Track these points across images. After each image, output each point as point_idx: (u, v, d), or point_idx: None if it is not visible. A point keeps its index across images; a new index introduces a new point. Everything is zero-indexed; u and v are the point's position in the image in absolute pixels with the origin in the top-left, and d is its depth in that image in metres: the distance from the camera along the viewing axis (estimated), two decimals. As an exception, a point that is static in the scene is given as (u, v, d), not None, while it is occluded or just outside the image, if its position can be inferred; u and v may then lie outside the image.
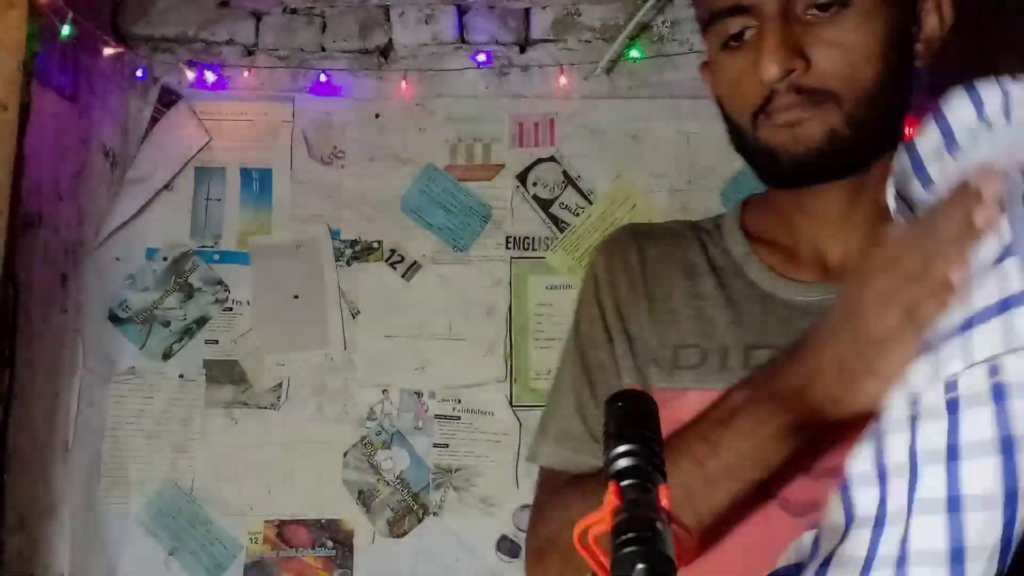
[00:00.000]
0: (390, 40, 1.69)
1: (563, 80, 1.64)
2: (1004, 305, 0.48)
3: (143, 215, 1.64)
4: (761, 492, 0.70)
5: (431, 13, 1.67)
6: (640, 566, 0.34)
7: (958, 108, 0.57)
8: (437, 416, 1.59)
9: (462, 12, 1.68)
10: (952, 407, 0.49)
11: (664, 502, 0.39)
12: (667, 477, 0.61)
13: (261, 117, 1.67)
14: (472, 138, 1.66)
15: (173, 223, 1.65)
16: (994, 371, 0.48)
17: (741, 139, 0.80)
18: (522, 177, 1.66)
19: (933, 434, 0.50)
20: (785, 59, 0.71)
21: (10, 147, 1.28)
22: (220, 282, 1.64)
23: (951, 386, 0.50)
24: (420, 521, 1.57)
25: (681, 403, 0.76)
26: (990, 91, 0.57)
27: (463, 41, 1.68)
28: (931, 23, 0.80)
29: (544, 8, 1.66)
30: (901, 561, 0.50)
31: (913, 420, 0.51)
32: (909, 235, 0.56)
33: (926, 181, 0.58)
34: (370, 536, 1.57)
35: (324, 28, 1.70)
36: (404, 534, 1.58)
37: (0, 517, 1.35)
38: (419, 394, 1.61)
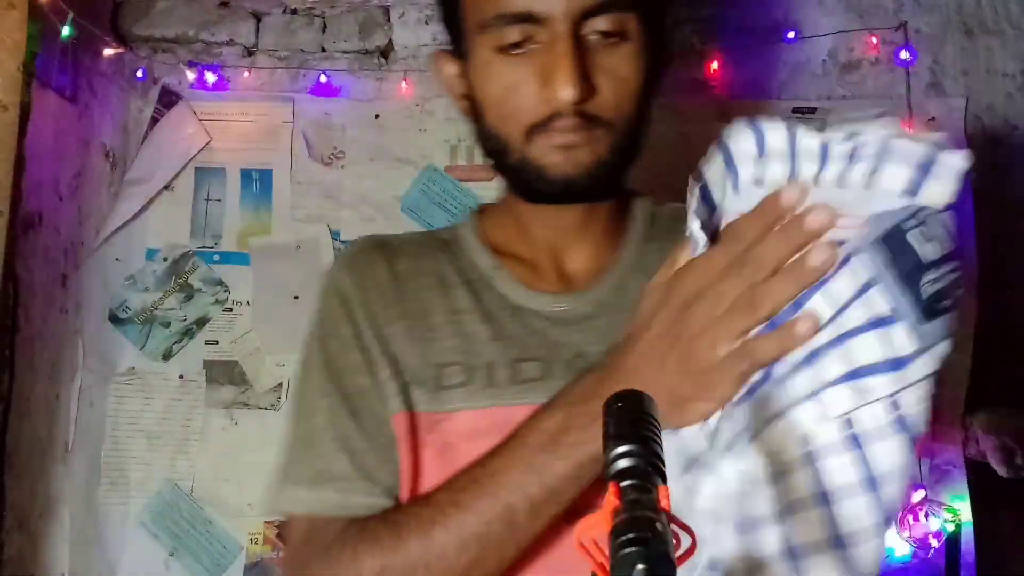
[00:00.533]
0: (390, 40, 1.69)
1: (563, 80, 1.63)
2: (895, 364, 0.52)
3: (143, 215, 1.64)
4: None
5: (431, 14, 1.67)
6: (640, 566, 0.34)
7: (741, 141, 0.59)
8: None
9: (462, 12, 1.69)
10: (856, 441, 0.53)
11: (664, 502, 0.39)
12: (479, 512, 0.63)
13: (261, 117, 1.67)
14: (472, 138, 1.66)
15: (173, 223, 1.65)
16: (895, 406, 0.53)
17: (503, 151, 0.79)
18: (522, 177, 1.66)
19: (840, 468, 0.53)
20: (581, 83, 0.71)
21: (10, 147, 1.28)
22: (220, 282, 1.64)
23: (846, 423, 0.53)
24: (420, 521, 1.57)
25: (451, 424, 0.74)
26: (775, 129, 0.59)
27: (463, 41, 1.68)
28: (669, 60, 0.82)
29: (544, 8, 1.66)
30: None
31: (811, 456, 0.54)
32: (722, 261, 0.54)
33: (712, 206, 0.59)
34: (370, 536, 1.57)
35: (324, 28, 1.70)
36: None
37: (0, 517, 1.35)
38: (419, 394, 1.61)
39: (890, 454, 0.53)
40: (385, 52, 1.70)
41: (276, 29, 1.70)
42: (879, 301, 0.53)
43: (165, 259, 1.64)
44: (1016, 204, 1.59)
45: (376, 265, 0.84)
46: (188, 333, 1.63)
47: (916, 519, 1.47)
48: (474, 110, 0.83)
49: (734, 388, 0.55)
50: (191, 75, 1.65)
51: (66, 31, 1.41)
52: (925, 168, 0.52)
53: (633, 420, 0.45)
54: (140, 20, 1.68)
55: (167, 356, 1.62)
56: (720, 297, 0.53)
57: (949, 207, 0.53)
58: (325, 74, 1.66)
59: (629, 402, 0.47)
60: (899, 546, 1.49)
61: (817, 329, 0.53)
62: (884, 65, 1.61)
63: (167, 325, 1.63)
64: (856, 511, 0.54)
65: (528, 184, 0.79)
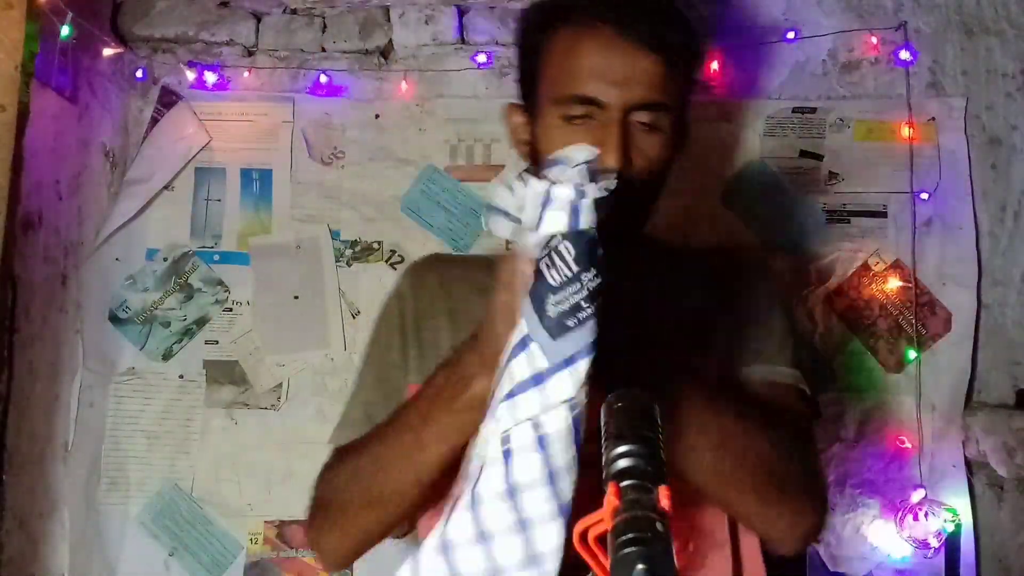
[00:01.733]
0: (390, 40, 1.69)
1: (563, 80, 1.63)
2: (536, 379, 0.62)
3: (143, 215, 1.64)
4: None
5: (431, 14, 1.67)
6: (640, 566, 0.34)
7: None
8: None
9: (462, 12, 1.68)
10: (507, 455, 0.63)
11: (664, 502, 0.39)
12: (384, 440, 0.87)
13: (261, 117, 1.67)
14: (472, 138, 1.66)
15: (173, 223, 1.65)
16: (537, 426, 0.62)
17: None
18: (522, 177, 1.65)
19: (494, 476, 0.63)
20: (621, 156, 0.97)
21: (9, 148, 1.28)
22: (220, 282, 1.64)
23: (505, 439, 0.63)
24: (420, 521, 1.57)
25: None
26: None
27: (463, 42, 1.68)
28: (686, 142, 1.12)
29: (544, 8, 1.66)
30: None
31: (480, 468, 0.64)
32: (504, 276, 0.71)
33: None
34: (370, 536, 1.57)
35: (324, 28, 1.70)
36: (404, 534, 1.57)
37: (0, 517, 1.35)
38: (419, 394, 1.61)
39: (529, 467, 0.62)
40: (385, 52, 1.70)
41: (276, 29, 1.70)
42: (521, 326, 0.64)
43: (165, 259, 1.64)
44: (1016, 204, 1.59)
45: (431, 274, 1.13)
46: (188, 333, 1.63)
47: (916, 519, 1.46)
48: (532, 156, 1.06)
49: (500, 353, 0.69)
50: (191, 75, 1.65)
51: (65, 31, 1.41)
52: (543, 204, 0.65)
53: (633, 420, 0.45)
54: (140, 20, 1.68)
55: (167, 356, 1.62)
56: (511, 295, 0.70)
57: (579, 233, 0.64)
58: (325, 74, 1.66)
59: (629, 402, 0.47)
60: (899, 546, 1.49)
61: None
62: (884, 65, 1.61)
63: (167, 325, 1.63)
64: (498, 514, 0.63)
65: None
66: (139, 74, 1.66)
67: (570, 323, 0.61)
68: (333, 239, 1.65)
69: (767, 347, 1.00)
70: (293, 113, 1.67)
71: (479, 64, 1.65)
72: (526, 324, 0.63)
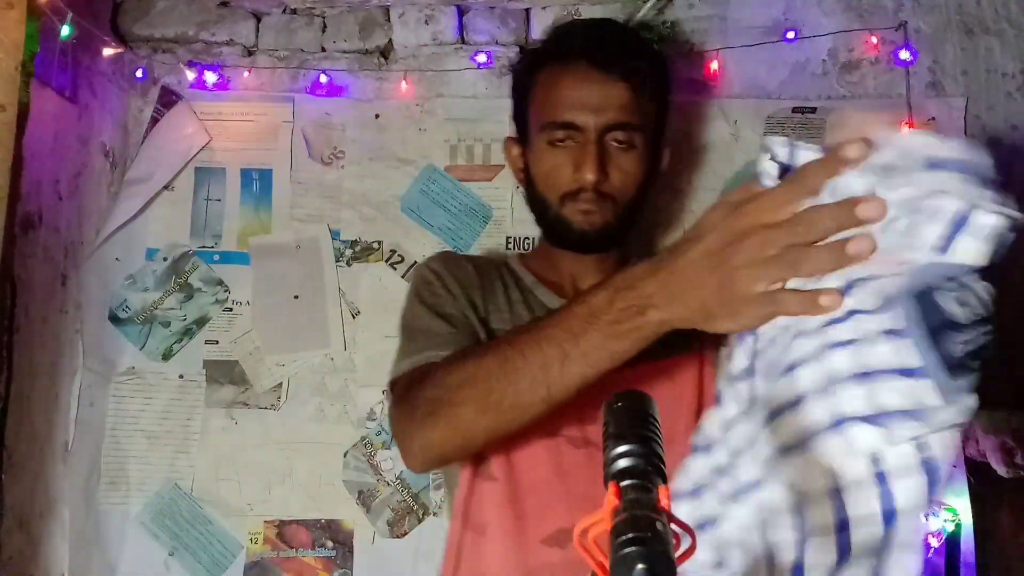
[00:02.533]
0: (390, 40, 1.69)
1: (563, 80, 1.63)
2: (916, 414, 0.56)
3: (143, 215, 1.64)
4: (547, 433, 0.98)
5: (431, 13, 1.67)
6: (640, 566, 0.34)
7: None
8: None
9: (462, 12, 1.68)
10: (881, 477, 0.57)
11: (664, 502, 0.39)
12: (519, 347, 0.85)
13: (261, 117, 1.67)
14: (472, 138, 1.66)
15: (173, 223, 1.65)
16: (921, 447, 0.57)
17: (544, 209, 1.23)
18: (522, 177, 1.66)
19: (864, 500, 0.57)
20: (600, 172, 1.14)
21: (9, 148, 1.28)
22: (220, 282, 1.64)
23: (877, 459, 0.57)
24: (420, 521, 1.57)
25: None
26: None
27: (463, 41, 1.68)
28: (663, 163, 1.29)
29: (544, 8, 1.66)
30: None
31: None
32: (783, 200, 0.62)
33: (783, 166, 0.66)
34: (370, 536, 1.57)
35: (324, 28, 1.70)
36: (404, 534, 1.57)
37: (0, 517, 1.35)
38: (419, 394, 1.61)
39: (910, 491, 0.57)
40: (385, 52, 1.70)
41: (276, 29, 1.70)
42: (909, 353, 0.56)
43: (165, 259, 1.64)
44: (1016, 204, 1.58)
45: (459, 259, 1.28)
46: (188, 333, 1.63)
47: (916, 519, 1.46)
48: (527, 180, 1.25)
49: (755, 323, 0.65)
50: (191, 75, 1.65)
51: (65, 31, 1.41)
52: (958, 225, 0.55)
53: (633, 420, 0.45)
54: (140, 20, 1.68)
55: (167, 356, 1.62)
56: (769, 242, 0.62)
57: (986, 269, 0.56)
58: (325, 74, 1.66)
59: (629, 402, 0.47)
60: (899, 546, 1.49)
61: (836, 307, 0.59)
62: (884, 65, 1.61)
63: (167, 325, 1.63)
64: (871, 539, 0.57)
65: (559, 234, 1.23)
66: (139, 74, 1.66)
67: (971, 365, 0.58)
68: (333, 239, 1.65)
69: None
70: (293, 113, 1.67)
71: (479, 64, 1.65)
72: (915, 355, 0.56)
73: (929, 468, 0.57)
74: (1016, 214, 0.57)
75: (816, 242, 0.60)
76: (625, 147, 1.17)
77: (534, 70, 1.23)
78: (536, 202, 1.25)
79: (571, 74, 1.16)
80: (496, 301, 1.19)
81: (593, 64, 1.15)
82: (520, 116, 1.27)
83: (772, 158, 0.64)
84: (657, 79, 1.23)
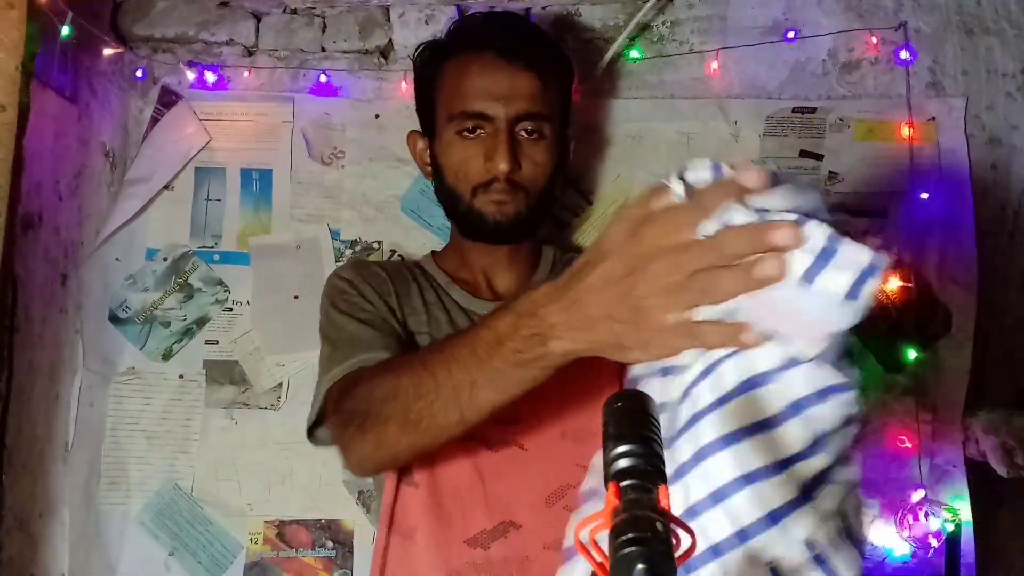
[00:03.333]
0: (390, 40, 1.69)
1: (563, 80, 1.63)
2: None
3: (143, 215, 1.64)
4: (467, 436, 0.90)
5: (431, 13, 1.67)
6: (640, 566, 0.34)
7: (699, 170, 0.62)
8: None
9: (462, 12, 1.68)
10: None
11: (664, 502, 0.39)
12: (431, 369, 0.84)
13: (261, 117, 1.67)
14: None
15: (173, 223, 1.65)
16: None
17: (455, 202, 1.22)
18: (522, 177, 1.65)
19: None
20: (512, 162, 1.15)
21: (9, 148, 1.28)
22: (220, 282, 1.64)
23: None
24: (420, 521, 1.57)
25: None
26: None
27: (463, 41, 1.68)
28: (570, 154, 1.32)
29: (544, 8, 1.66)
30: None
31: None
32: (687, 220, 0.59)
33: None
34: (370, 536, 1.57)
35: (324, 28, 1.70)
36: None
37: (0, 517, 1.35)
38: (419, 394, 1.61)
39: (850, 562, 0.60)
40: (385, 52, 1.70)
41: (276, 29, 1.70)
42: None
43: (165, 259, 1.64)
44: (1016, 204, 1.59)
45: (370, 265, 1.25)
46: (188, 333, 1.63)
47: (916, 519, 1.46)
48: (435, 173, 1.24)
49: (669, 353, 0.63)
50: (191, 75, 1.65)
51: (65, 31, 1.41)
52: (868, 274, 0.56)
53: (633, 420, 0.45)
54: (140, 20, 1.68)
55: (167, 356, 1.62)
56: (677, 267, 0.59)
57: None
58: (325, 74, 1.66)
59: (629, 402, 0.47)
60: (899, 546, 1.49)
61: (756, 345, 0.59)
62: (884, 65, 1.61)
63: (167, 325, 1.63)
64: None
65: (472, 226, 1.22)
66: (139, 74, 1.66)
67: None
68: (333, 239, 1.65)
69: None
70: (293, 113, 1.67)
71: (479, 64, 1.64)
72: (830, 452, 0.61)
73: (851, 535, 0.60)
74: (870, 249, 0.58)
75: (724, 266, 0.58)
76: (535, 137, 1.18)
77: (440, 61, 1.23)
78: (446, 195, 1.24)
79: (479, 64, 1.16)
80: (412, 304, 1.19)
81: (501, 54, 1.15)
82: (425, 109, 1.27)
83: (681, 177, 0.62)
84: (561, 70, 1.24)
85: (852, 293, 0.56)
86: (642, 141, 1.63)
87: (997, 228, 1.58)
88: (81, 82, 1.54)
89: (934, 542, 1.46)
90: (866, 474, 1.54)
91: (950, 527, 1.46)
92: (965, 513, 1.49)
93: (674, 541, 0.38)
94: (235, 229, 1.65)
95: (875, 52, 1.61)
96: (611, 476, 0.41)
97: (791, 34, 1.61)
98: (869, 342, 1.56)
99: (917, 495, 1.48)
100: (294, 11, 1.70)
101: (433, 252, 1.37)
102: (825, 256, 0.56)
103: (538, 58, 1.17)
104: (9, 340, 1.36)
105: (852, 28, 1.61)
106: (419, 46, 1.30)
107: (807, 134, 1.61)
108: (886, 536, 1.49)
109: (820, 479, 0.60)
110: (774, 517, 0.58)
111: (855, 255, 0.56)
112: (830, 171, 1.60)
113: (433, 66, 1.25)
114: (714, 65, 1.60)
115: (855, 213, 1.59)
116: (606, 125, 1.64)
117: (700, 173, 0.61)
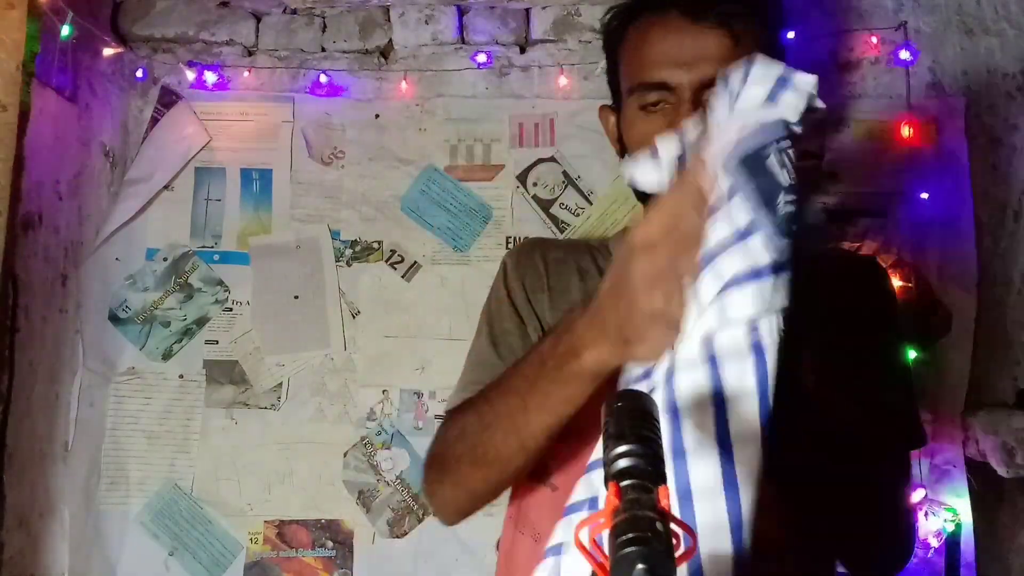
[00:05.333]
0: (390, 40, 1.69)
1: (563, 80, 1.64)
2: (755, 274, 0.61)
3: (143, 215, 1.64)
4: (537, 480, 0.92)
5: (431, 13, 1.67)
6: (640, 566, 0.34)
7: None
8: (437, 416, 1.59)
9: (462, 12, 1.68)
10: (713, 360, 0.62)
11: (664, 502, 0.39)
12: (490, 400, 0.85)
13: (261, 117, 1.67)
14: (472, 138, 1.66)
15: (173, 223, 1.65)
16: (753, 330, 0.62)
17: None
18: (522, 177, 1.66)
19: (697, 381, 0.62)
20: None
21: (10, 147, 1.28)
22: (220, 282, 1.64)
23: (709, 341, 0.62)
24: (420, 521, 1.58)
25: None
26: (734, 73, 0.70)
27: (463, 41, 1.68)
28: None
29: (544, 8, 1.66)
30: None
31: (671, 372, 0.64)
32: (656, 229, 0.66)
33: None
34: (370, 536, 1.57)
35: (324, 28, 1.70)
36: (404, 534, 1.58)
37: (0, 517, 1.35)
38: (419, 394, 1.61)
39: (742, 375, 0.62)
40: (385, 52, 1.70)
41: (276, 29, 1.70)
42: (740, 216, 0.62)
43: (165, 259, 1.64)
44: (1016, 204, 1.59)
45: (534, 255, 1.14)
46: (188, 333, 1.63)
47: (916, 519, 1.46)
48: (622, 152, 1.09)
49: (664, 343, 0.66)
50: (191, 75, 1.65)
51: (66, 31, 1.41)
52: (782, 83, 0.66)
53: (633, 420, 0.44)
54: (140, 20, 1.68)
55: (167, 356, 1.62)
56: (655, 255, 0.65)
57: (792, 136, 0.65)
58: (325, 74, 1.66)
59: (629, 402, 0.47)
60: (899, 546, 1.49)
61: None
62: (884, 65, 1.61)
63: (167, 325, 1.63)
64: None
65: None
66: (139, 74, 1.66)
67: (791, 228, 0.62)
68: (333, 239, 1.65)
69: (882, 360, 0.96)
70: (293, 113, 1.67)
71: (479, 64, 1.65)
72: (750, 216, 0.61)
73: (758, 351, 0.61)
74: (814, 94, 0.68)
75: (694, 242, 0.64)
76: None
77: (623, 28, 1.08)
78: None
79: (662, 27, 1.01)
80: (568, 299, 1.09)
81: (685, 13, 0.99)
82: (613, 81, 1.11)
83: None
84: (761, 22, 1.04)
85: (771, 97, 0.66)
86: (642, 141, 1.63)
87: (997, 228, 1.58)
88: (81, 82, 1.54)
89: (934, 542, 1.46)
90: (866, 474, 1.54)
91: (950, 527, 1.46)
92: (965, 513, 1.49)
93: (674, 541, 0.38)
94: (235, 229, 1.65)
95: (875, 52, 1.61)
96: (611, 476, 0.41)
97: (791, 34, 1.61)
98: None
99: (917, 495, 1.48)
100: (294, 11, 1.70)
101: (627, 228, 1.22)
102: (744, 79, 0.67)
103: (730, 13, 0.99)
104: (9, 340, 1.36)
105: (852, 28, 1.61)
106: (608, 10, 1.14)
107: (807, 134, 1.61)
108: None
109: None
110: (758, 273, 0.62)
111: (767, 70, 0.67)
112: (830, 171, 1.60)
113: (617, 34, 1.10)
114: (714, 65, 1.60)
115: (855, 213, 1.59)
116: (606, 125, 1.64)
117: (691, 132, 0.69)
